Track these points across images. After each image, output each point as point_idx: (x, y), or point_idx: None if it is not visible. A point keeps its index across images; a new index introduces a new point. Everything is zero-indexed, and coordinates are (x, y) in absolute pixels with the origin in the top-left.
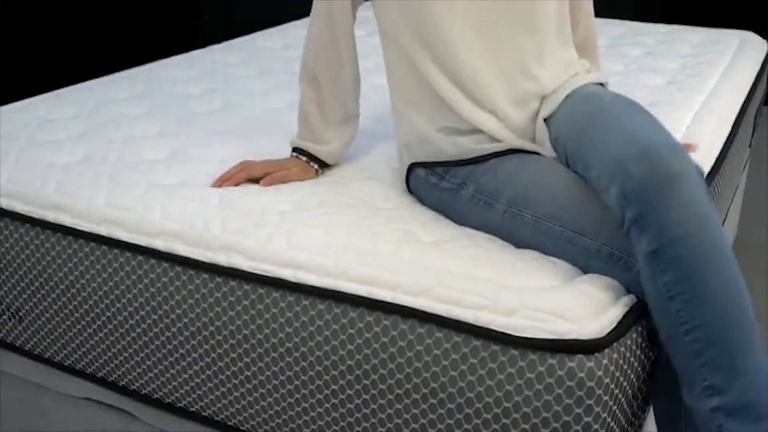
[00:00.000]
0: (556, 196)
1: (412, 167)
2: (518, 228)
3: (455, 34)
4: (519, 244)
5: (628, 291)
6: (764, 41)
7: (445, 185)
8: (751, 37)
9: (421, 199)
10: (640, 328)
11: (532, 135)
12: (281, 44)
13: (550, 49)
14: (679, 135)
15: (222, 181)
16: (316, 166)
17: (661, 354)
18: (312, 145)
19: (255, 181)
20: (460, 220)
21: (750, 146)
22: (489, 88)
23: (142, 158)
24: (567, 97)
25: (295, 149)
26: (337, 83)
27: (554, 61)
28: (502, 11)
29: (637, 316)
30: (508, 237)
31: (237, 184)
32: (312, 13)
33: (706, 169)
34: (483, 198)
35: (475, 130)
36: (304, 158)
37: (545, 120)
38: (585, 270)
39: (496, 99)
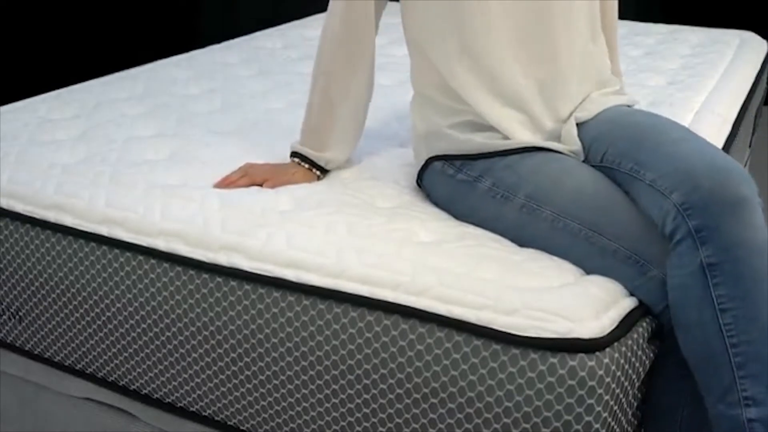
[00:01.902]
0: (578, 195)
1: (430, 161)
2: (535, 223)
3: (492, 34)
4: (532, 240)
5: (631, 294)
6: (764, 41)
7: (461, 177)
8: (751, 37)
9: (431, 192)
10: (641, 328)
11: (558, 135)
12: (281, 44)
13: (582, 47)
14: None
15: (224, 185)
16: (318, 173)
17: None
18: (313, 152)
19: (258, 184)
20: (470, 213)
21: (750, 146)
22: (519, 85)
23: (142, 158)
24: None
25: (295, 154)
26: (349, 90)
27: (587, 59)
28: (538, 9)
29: (638, 316)
30: (521, 232)
31: (236, 186)
32: (328, 14)
33: None
34: (501, 191)
35: (491, 128)
36: (306, 165)
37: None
38: (598, 271)
39: (526, 97)
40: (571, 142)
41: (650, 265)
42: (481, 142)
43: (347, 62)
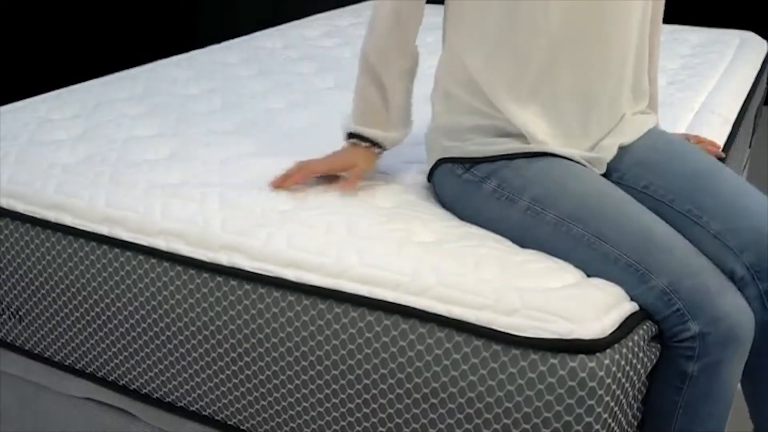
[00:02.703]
0: (583, 200)
1: (441, 161)
2: (538, 226)
3: (542, 40)
4: (535, 243)
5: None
6: (764, 41)
7: (468, 177)
8: (751, 37)
9: (438, 191)
10: (641, 330)
11: (588, 147)
12: (281, 44)
13: (632, 59)
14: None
15: (281, 182)
16: (377, 151)
17: (662, 357)
18: (371, 130)
19: (326, 179)
20: (474, 214)
21: (750, 146)
22: (562, 98)
23: (142, 158)
24: (648, 131)
25: (353, 135)
26: (401, 78)
27: (633, 71)
28: (595, 23)
29: (639, 319)
30: (525, 234)
31: (296, 185)
32: (376, 7)
33: None
34: (506, 193)
35: (516, 134)
36: (365, 144)
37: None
38: (599, 276)
39: (565, 111)
40: (600, 167)
41: (651, 275)
42: (501, 147)
43: (401, 37)
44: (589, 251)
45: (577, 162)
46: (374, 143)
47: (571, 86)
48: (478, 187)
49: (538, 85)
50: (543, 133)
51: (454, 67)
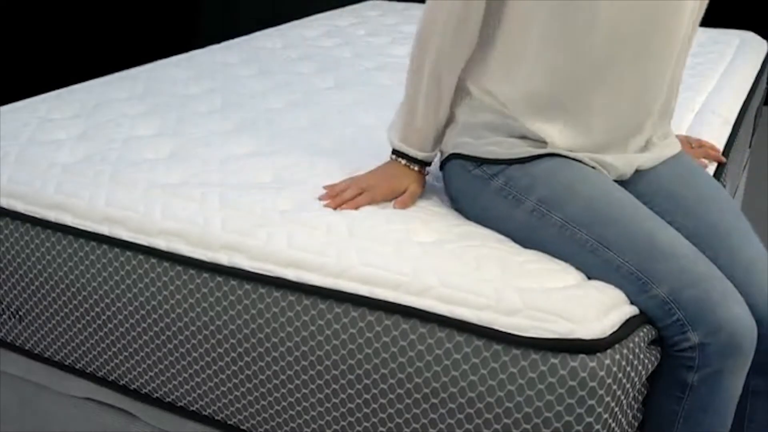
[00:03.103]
0: (589, 204)
1: (453, 156)
2: (543, 228)
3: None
4: (539, 244)
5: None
6: (764, 41)
7: (477, 173)
8: (751, 37)
9: (447, 185)
10: (642, 333)
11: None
12: (281, 44)
13: (670, 78)
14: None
15: (339, 204)
16: (426, 172)
17: (662, 361)
18: (421, 153)
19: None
20: (481, 212)
21: (750, 146)
22: (593, 116)
23: (142, 158)
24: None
25: (402, 155)
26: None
27: (665, 101)
28: (640, 46)
29: (639, 322)
30: (529, 235)
31: (357, 208)
32: (433, 9)
33: (710, 170)
34: (513, 192)
35: (526, 136)
36: (416, 167)
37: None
38: (600, 282)
39: (596, 127)
40: (611, 174)
41: (653, 284)
42: (516, 151)
43: (462, 44)
44: (592, 257)
45: (586, 164)
46: (423, 164)
47: (603, 105)
48: (486, 184)
49: (569, 104)
50: (564, 145)
51: (478, 69)
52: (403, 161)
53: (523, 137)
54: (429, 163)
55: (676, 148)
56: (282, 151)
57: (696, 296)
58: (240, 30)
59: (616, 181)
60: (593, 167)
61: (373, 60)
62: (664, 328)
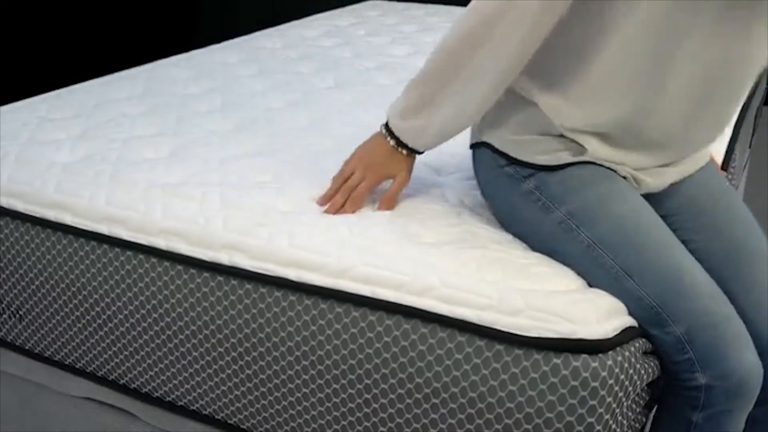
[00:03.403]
0: (619, 227)
1: (483, 144)
2: (569, 242)
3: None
4: (561, 257)
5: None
6: None
7: (509, 171)
8: None
9: (477, 170)
10: (638, 343)
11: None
12: (281, 44)
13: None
14: None
15: (332, 210)
16: (413, 157)
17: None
18: (421, 147)
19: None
20: (509, 210)
21: (750, 146)
22: (642, 137)
23: (142, 157)
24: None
25: (393, 136)
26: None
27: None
28: (716, 85)
29: (637, 333)
30: (553, 246)
31: (354, 211)
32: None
33: None
34: (543, 199)
35: (563, 140)
36: (404, 151)
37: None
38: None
39: (644, 147)
40: (642, 189)
41: (671, 321)
42: (550, 157)
43: (529, 44)
44: (614, 283)
45: (619, 174)
46: (413, 151)
47: (656, 128)
48: (516, 184)
49: (625, 126)
50: (604, 156)
51: (533, 71)
52: (393, 142)
53: (561, 136)
54: (416, 151)
55: (706, 157)
56: (282, 150)
57: (711, 340)
58: (240, 30)
59: (643, 195)
60: (624, 177)
61: (373, 60)
62: (673, 363)
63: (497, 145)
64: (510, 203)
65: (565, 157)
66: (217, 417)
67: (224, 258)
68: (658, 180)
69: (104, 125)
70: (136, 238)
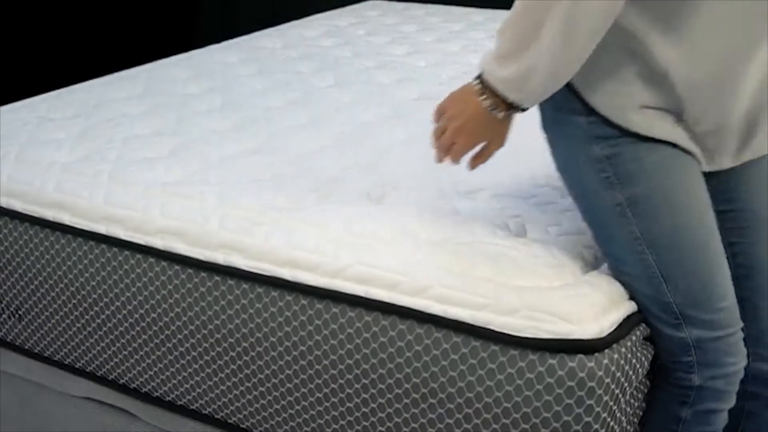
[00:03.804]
0: (673, 233)
1: (573, 95)
2: (618, 228)
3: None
4: (603, 236)
5: (654, 344)
6: None
7: (582, 123)
8: None
9: (543, 115)
10: (640, 330)
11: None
12: (281, 44)
13: None
14: None
15: (440, 161)
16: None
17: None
18: (525, 100)
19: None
20: (569, 166)
21: None
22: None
23: (141, 157)
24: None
25: (495, 94)
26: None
27: None
28: None
29: (638, 320)
30: (602, 224)
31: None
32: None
33: None
34: (609, 173)
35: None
36: (502, 113)
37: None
38: (638, 299)
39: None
40: (721, 165)
41: (686, 326)
42: (639, 120)
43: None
44: (646, 281)
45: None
46: (512, 108)
47: (743, 94)
48: (587, 143)
49: (716, 85)
50: (688, 134)
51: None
52: (488, 102)
53: (654, 107)
54: (523, 110)
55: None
56: (281, 149)
57: (717, 348)
58: (240, 30)
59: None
60: (698, 158)
61: (373, 59)
62: (673, 362)
63: (579, 86)
64: (573, 160)
65: (658, 128)
66: (216, 416)
67: (220, 258)
68: (732, 158)
69: (104, 125)
70: (133, 237)
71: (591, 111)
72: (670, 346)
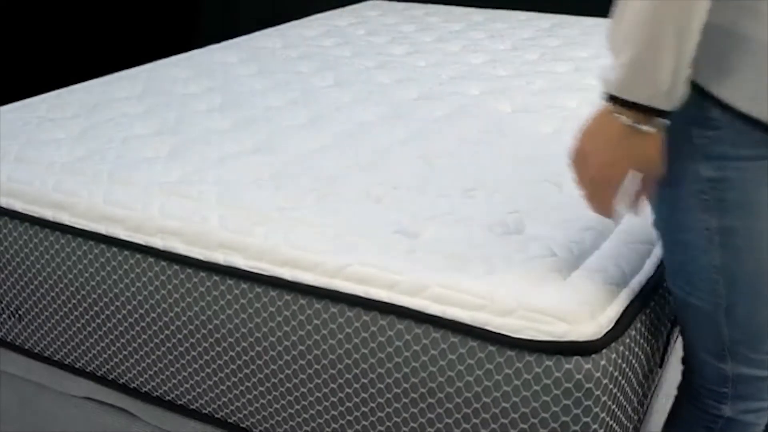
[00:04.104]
0: (758, 278)
1: (698, 90)
2: (697, 255)
3: None
4: (679, 264)
5: (686, 364)
6: None
7: (697, 139)
8: None
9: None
10: (637, 326)
11: None
12: (281, 44)
13: None
14: None
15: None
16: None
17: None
18: (667, 102)
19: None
20: (671, 179)
21: None
22: None
23: (141, 156)
24: None
25: (635, 106)
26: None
27: None
28: None
29: (634, 313)
30: (683, 244)
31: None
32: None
33: None
34: (708, 195)
35: None
36: (650, 127)
37: None
38: (691, 333)
39: None
40: None
41: (731, 360)
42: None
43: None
44: (708, 309)
45: None
46: (655, 112)
47: None
48: (697, 160)
49: None
50: None
51: None
52: (625, 117)
53: None
54: (666, 113)
55: None
56: (281, 148)
57: (757, 386)
58: (240, 30)
59: None
60: None
61: (373, 59)
62: (707, 390)
63: (699, 77)
64: (675, 176)
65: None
66: (216, 416)
67: (220, 258)
68: None
69: (104, 125)
70: (133, 237)
71: (713, 125)
72: (708, 374)
